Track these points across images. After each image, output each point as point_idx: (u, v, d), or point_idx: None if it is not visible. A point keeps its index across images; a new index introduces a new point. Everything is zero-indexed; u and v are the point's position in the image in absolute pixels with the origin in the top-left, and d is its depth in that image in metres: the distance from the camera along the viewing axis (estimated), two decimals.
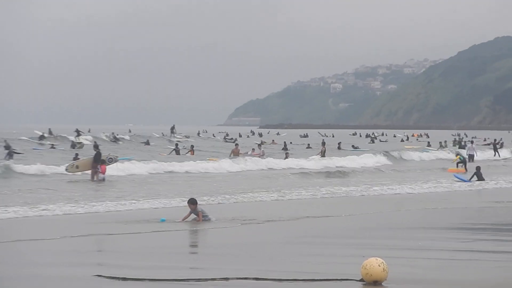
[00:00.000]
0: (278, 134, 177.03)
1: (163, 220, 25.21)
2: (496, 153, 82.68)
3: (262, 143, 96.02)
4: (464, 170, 57.35)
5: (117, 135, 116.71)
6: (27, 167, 46.43)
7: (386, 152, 74.76)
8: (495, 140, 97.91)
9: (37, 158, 58.06)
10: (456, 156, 63.21)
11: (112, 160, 45.62)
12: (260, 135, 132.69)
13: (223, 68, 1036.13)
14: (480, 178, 44.77)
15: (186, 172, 51.02)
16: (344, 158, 64.43)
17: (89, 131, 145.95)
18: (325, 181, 44.78)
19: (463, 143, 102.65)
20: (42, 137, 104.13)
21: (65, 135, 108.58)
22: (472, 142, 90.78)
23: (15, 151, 65.42)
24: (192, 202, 25.86)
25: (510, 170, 57.28)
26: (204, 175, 48.24)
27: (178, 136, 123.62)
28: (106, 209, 28.55)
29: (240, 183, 41.80)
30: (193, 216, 25.41)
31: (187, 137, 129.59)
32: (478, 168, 46.19)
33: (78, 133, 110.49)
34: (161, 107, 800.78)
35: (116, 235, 22.33)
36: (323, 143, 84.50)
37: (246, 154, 71.62)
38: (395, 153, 74.87)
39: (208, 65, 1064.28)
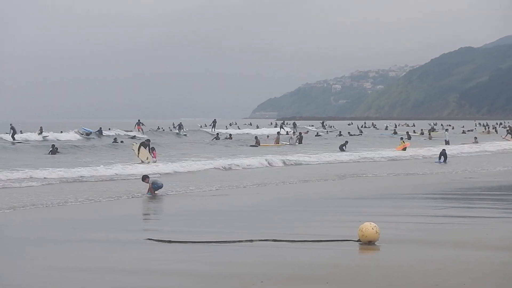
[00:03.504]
0: (294, 123, 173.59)
1: (149, 194, 25.02)
2: None
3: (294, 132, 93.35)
4: (408, 144, 57.26)
5: None
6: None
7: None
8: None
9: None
10: (401, 140, 62.73)
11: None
12: (281, 125, 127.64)
13: (248, 71, 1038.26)
14: (445, 158, 44.57)
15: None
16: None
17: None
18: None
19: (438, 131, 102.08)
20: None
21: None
22: (447, 130, 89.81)
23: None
24: (143, 178, 26.12)
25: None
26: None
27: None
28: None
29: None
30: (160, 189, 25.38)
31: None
32: (444, 150, 45.90)
33: (214, 124, 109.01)
34: (200, 103, 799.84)
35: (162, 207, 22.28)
36: (299, 133, 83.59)
37: (285, 142, 69.41)
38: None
39: (236, 69, 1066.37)
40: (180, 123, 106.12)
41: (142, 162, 41.01)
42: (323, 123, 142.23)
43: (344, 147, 57.92)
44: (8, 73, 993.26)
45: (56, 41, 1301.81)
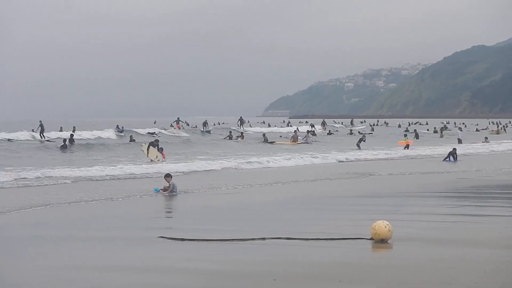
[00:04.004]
0: (306, 122, 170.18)
1: (156, 190, 25.25)
2: None
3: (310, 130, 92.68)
4: (411, 142, 57.55)
5: None
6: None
7: None
8: None
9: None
10: (405, 137, 62.66)
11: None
12: (311, 125, 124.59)
13: (260, 70, 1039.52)
14: (455, 157, 44.39)
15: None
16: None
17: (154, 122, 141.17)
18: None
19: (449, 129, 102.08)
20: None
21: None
22: (460, 129, 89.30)
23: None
24: (166, 176, 25.85)
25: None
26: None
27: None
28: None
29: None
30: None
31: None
32: (454, 149, 45.70)
33: (241, 122, 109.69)
34: (212, 102, 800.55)
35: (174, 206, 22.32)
36: (308, 131, 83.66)
37: (302, 138, 70.98)
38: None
39: (248, 67, 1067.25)
40: (205, 120, 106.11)
41: (152, 161, 41.11)
42: (351, 121, 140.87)
43: (359, 144, 58.43)
44: (8, 72, 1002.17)
45: (56, 41, 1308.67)
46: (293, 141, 68.55)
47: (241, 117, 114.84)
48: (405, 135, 66.72)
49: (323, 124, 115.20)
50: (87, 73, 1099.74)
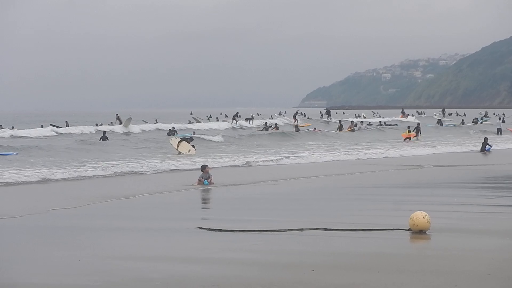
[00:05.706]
0: (343, 113, 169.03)
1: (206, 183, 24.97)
2: None
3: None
4: (414, 135, 57.57)
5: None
6: None
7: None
8: None
9: None
10: (408, 128, 62.26)
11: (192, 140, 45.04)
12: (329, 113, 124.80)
13: (297, 61, 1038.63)
14: (487, 147, 43.85)
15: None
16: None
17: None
18: None
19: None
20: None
21: None
22: (499, 119, 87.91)
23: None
24: (203, 167, 25.64)
25: None
26: None
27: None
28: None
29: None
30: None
31: None
32: (486, 139, 45.20)
33: (329, 113, 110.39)
34: (251, 94, 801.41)
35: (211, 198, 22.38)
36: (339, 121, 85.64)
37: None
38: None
39: (284, 58, 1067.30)
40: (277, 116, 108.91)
41: (180, 153, 40.99)
42: (443, 110, 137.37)
43: (419, 132, 59.94)
44: (14, 66, 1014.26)
45: (71, 32, 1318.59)
46: (349, 129, 75.27)
47: (327, 108, 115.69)
48: (408, 127, 65.61)
49: (403, 112, 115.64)
50: (138, 65, 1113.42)
